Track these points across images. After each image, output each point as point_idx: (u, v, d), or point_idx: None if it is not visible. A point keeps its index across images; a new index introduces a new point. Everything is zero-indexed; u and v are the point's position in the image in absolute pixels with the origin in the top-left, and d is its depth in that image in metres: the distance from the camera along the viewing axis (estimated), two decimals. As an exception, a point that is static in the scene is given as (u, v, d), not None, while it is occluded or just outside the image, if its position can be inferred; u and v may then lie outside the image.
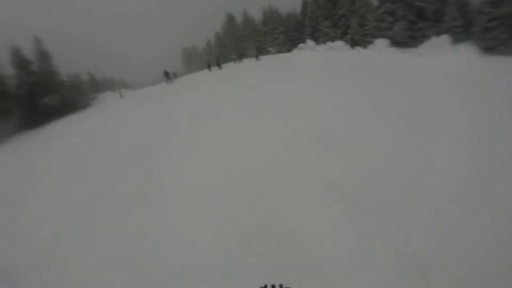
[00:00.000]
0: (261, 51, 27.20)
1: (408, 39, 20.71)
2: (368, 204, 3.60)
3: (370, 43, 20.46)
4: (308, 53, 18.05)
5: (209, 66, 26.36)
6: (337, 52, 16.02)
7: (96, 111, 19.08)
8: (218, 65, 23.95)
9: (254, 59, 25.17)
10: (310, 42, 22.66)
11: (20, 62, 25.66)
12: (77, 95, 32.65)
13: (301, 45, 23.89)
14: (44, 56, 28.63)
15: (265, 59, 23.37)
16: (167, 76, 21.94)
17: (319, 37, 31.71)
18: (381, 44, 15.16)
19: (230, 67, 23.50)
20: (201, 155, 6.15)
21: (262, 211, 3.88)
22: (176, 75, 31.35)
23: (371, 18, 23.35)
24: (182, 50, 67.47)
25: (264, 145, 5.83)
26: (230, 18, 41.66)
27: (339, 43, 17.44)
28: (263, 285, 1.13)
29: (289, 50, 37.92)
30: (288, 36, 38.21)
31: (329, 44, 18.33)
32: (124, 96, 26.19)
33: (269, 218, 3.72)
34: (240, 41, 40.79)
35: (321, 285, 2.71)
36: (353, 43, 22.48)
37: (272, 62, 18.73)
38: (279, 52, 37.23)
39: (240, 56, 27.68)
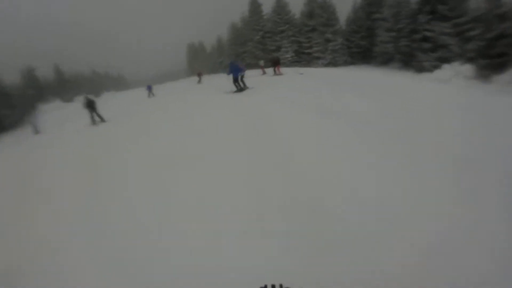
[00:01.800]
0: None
1: None
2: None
3: None
4: None
5: (199, 76, 20.54)
6: None
7: None
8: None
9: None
10: None
11: None
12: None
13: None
14: None
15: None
16: (91, 107, 8.43)
17: (400, 50, 17.66)
18: None
19: (261, 84, 9.54)
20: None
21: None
22: (152, 91, 17.18)
23: None
24: (187, 46, 54.16)
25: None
26: (255, 4, 27.90)
27: None
28: (263, 285, 1.06)
29: (346, 63, 23.97)
30: (347, 42, 24.17)
31: None
32: (40, 131, 11.71)
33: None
34: (268, 39, 26.93)
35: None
36: None
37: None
38: (330, 64, 23.25)
39: (276, 63, 13.81)
